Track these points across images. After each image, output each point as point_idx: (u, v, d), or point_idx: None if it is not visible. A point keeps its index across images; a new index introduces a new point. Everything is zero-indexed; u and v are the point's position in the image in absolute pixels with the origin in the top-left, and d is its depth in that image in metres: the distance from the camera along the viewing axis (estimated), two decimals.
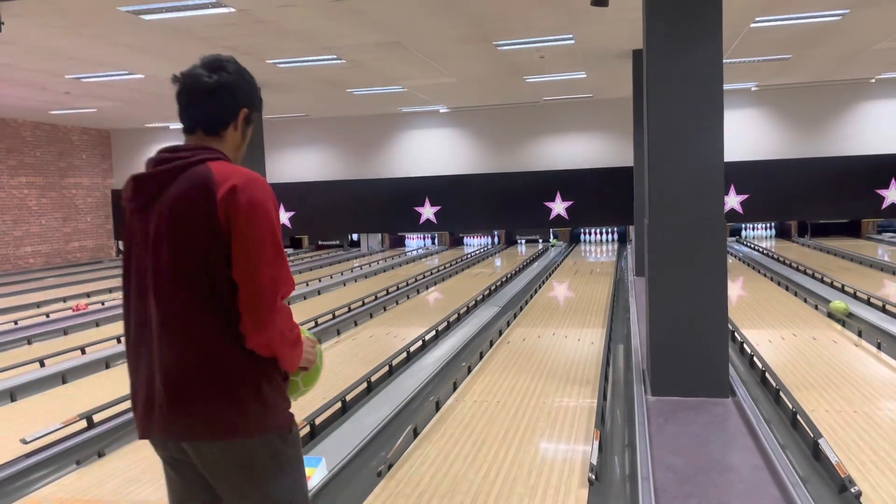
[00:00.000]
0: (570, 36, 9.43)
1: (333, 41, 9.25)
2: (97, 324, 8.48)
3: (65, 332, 8.03)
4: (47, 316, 9.18)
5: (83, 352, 6.81)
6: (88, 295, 11.03)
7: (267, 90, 12.84)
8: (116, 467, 3.90)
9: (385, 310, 8.83)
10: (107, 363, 6.39)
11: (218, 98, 1.82)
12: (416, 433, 4.18)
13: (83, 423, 4.62)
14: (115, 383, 5.69)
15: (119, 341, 7.28)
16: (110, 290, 11.48)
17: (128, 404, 4.99)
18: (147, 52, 9.46)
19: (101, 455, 4.07)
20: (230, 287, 1.70)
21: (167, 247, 1.71)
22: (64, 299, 10.59)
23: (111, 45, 9.04)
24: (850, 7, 8.51)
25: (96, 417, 4.71)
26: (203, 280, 1.69)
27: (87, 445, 4.29)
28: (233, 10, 7.47)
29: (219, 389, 1.71)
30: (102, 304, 10.13)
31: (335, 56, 10.16)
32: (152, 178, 1.79)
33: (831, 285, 9.01)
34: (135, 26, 8.07)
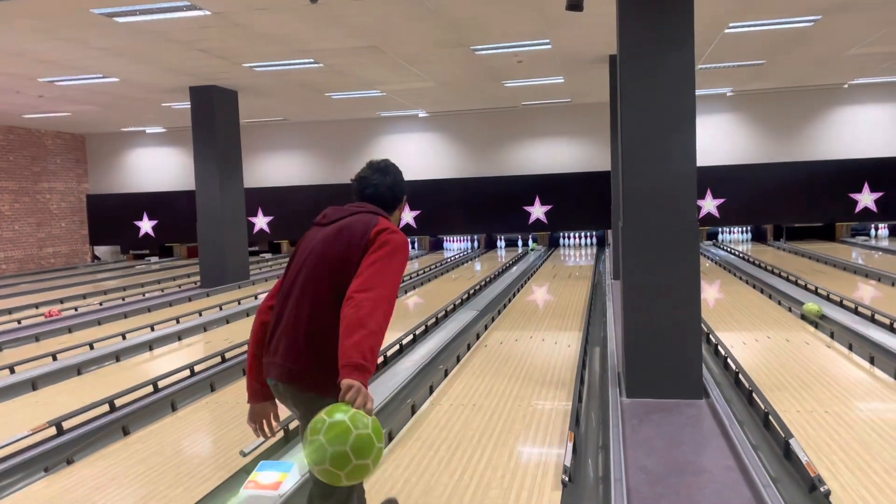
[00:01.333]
0: (548, 41, 9.48)
1: (310, 45, 9.22)
2: (70, 330, 8.37)
3: (36, 338, 7.91)
4: (19, 322, 9.04)
5: (54, 358, 6.71)
6: (62, 301, 10.88)
7: (244, 94, 12.79)
8: (85, 475, 3.84)
9: None
10: (78, 370, 6.30)
11: (393, 192, 2.55)
12: (390, 437, 4.16)
13: (52, 430, 4.55)
14: (86, 390, 5.62)
15: (91, 347, 7.19)
16: (84, 297, 11.34)
17: (98, 411, 4.88)
18: (122, 55, 9.36)
19: (69, 462, 4.01)
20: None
21: (323, 257, 2.26)
22: (36, 305, 10.43)
23: (85, 48, 8.94)
24: (822, 13, 8.64)
25: (66, 424, 4.64)
26: (339, 287, 2.18)
27: (56, 453, 4.22)
28: (208, 12, 7.43)
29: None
30: (76, 310, 10.00)
31: (313, 60, 10.12)
32: (341, 209, 2.45)
33: (805, 288, 9.12)
34: (108, 29, 7.99)
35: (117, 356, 6.83)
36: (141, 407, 5.05)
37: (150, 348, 7.27)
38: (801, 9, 8.46)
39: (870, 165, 15.34)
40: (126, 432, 4.51)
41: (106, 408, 5.01)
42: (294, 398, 2.24)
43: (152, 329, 8.09)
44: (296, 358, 2.19)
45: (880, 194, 15.32)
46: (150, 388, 5.48)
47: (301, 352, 2.18)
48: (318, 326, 2.18)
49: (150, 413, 4.94)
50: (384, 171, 2.55)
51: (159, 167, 18.82)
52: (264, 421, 2.44)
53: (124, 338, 7.63)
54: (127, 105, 13.76)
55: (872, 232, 16.22)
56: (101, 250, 19.39)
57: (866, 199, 15.39)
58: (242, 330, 7.99)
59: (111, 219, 18.66)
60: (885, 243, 14.95)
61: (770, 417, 4.11)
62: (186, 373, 5.96)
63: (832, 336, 6.34)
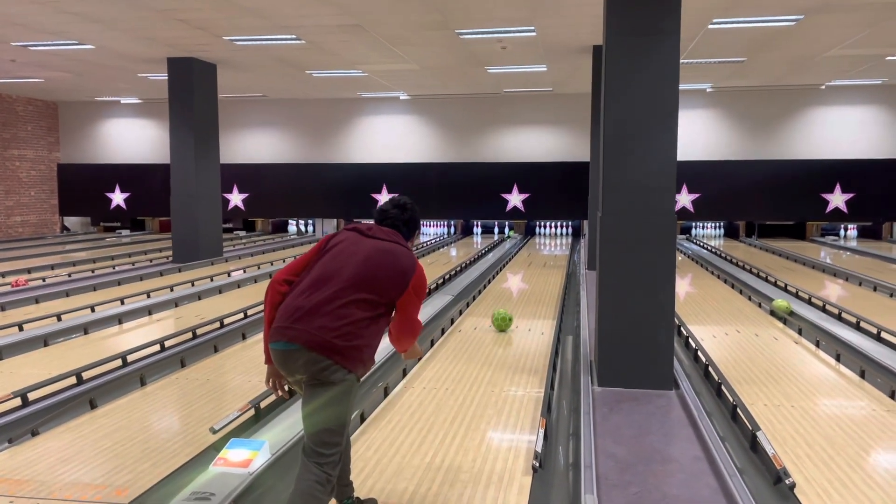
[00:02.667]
0: (532, 28, 9.45)
1: (292, 20, 9.09)
2: (37, 300, 8.21)
3: (2, 307, 7.76)
4: None
5: (20, 328, 6.58)
6: (29, 271, 10.67)
7: (223, 68, 12.59)
8: (50, 447, 3.78)
9: None
10: (45, 341, 6.20)
11: (409, 227, 2.95)
12: (362, 419, 4.15)
13: (17, 402, 4.46)
14: (53, 361, 5.53)
15: (59, 319, 7.06)
16: (52, 267, 11.13)
17: (65, 383, 4.81)
18: (98, 21, 9.15)
19: (34, 434, 3.94)
20: (390, 307, 2.74)
21: (370, 267, 2.68)
22: (3, 274, 10.22)
23: (61, 13, 8.71)
24: (804, 13, 8.72)
25: (31, 396, 4.56)
26: (374, 295, 2.67)
27: (20, 424, 4.15)
28: None
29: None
30: (43, 280, 9.81)
31: (294, 36, 9.98)
32: (381, 229, 2.87)
33: (775, 284, 9.26)
34: None
35: (85, 329, 6.72)
36: (109, 381, 4.98)
37: (120, 322, 7.17)
38: (784, 8, 8.53)
39: (842, 167, 15.58)
40: (93, 406, 4.44)
41: (73, 380, 4.93)
42: (310, 363, 2.55)
43: (122, 303, 7.98)
44: (333, 334, 2.55)
45: (851, 195, 15.59)
46: (118, 362, 5.40)
47: (336, 331, 2.56)
48: (354, 318, 2.60)
49: (119, 387, 4.87)
50: (402, 208, 2.94)
51: (133, 139, 18.48)
52: (280, 381, 2.79)
53: (93, 310, 7.52)
54: (102, 73, 13.46)
55: (842, 232, 16.52)
56: (70, 221, 19.04)
57: (837, 199, 15.65)
58: (215, 306, 7.91)
59: (82, 189, 18.31)
60: (853, 244, 15.24)
61: (738, 410, 4.18)
62: (156, 348, 5.88)
63: (800, 332, 6.45)
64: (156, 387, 4.97)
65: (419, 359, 2.60)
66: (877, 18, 8.95)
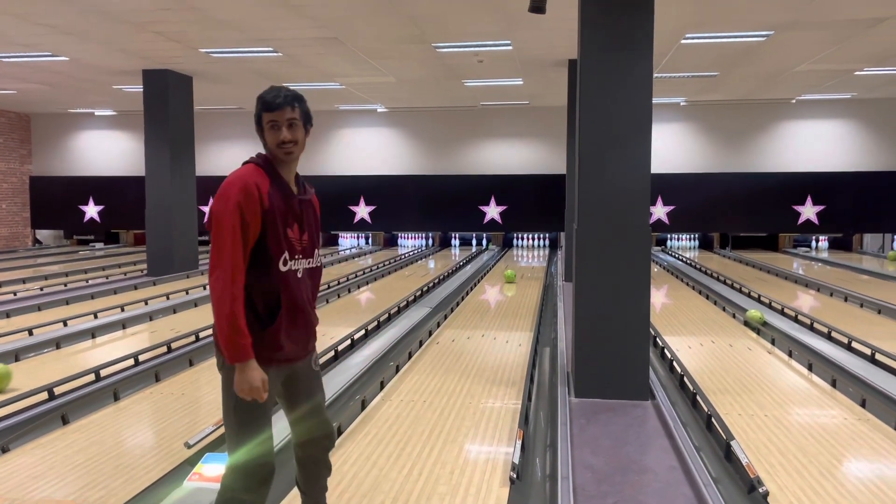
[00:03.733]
0: (508, 42, 9.54)
1: (269, 33, 9.09)
2: (7, 315, 8.08)
3: None
4: None
5: None
6: (0, 285, 10.49)
7: (199, 80, 12.53)
8: (21, 463, 3.71)
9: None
10: (16, 356, 6.09)
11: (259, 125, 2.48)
12: (339, 432, 4.13)
13: None
14: (24, 377, 5.43)
15: (30, 333, 6.95)
16: (23, 281, 10.95)
17: (36, 399, 4.74)
18: (72, 33, 9.07)
19: (5, 450, 3.87)
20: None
21: None
22: None
23: (35, 25, 8.63)
24: (774, 29, 8.91)
25: (2, 412, 4.48)
26: None
27: None
28: None
29: None
30: (14, 294, 9.65)
31: (271, 48, 9.98)
32: None
33: (748, 295, 9.39)
34: (60, 6, 7.74)
35: (58, 343, 6.62)
36: (81, 396, 4.90)
37: (93, 336, 7.06)
38: (754, 24, 8.70)
39: (813, 179, 15.87)
40: (65, 421, 4.37)
41: (44, 395, 4.85)
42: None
43: (95, 316, 7.87)
44: None
45: (822, 207, 15.86)
46: (91, 377, 5.33)
47: None
48: None
49: (91, 402, 4.80)
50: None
51: (108, 151, 18.29)
52: None
53: (65, 324, 7.41)
54: (76, 85, 13.34)
55: (813, 244, 16.81)
56: (43, 234, 18.76)
57: (809, 211, 15.92)
58: (190, 319, 7.83)
59: (55, 202, 18.06)
60: (825, 255, 15.50)
61: (713, 420, 4.22)
62: (130, 362, 5.81)
63: (773, 343, 6.54)
64: (130, 401, 4.90)
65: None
66: (844, 35, 9.16)
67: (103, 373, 5.44)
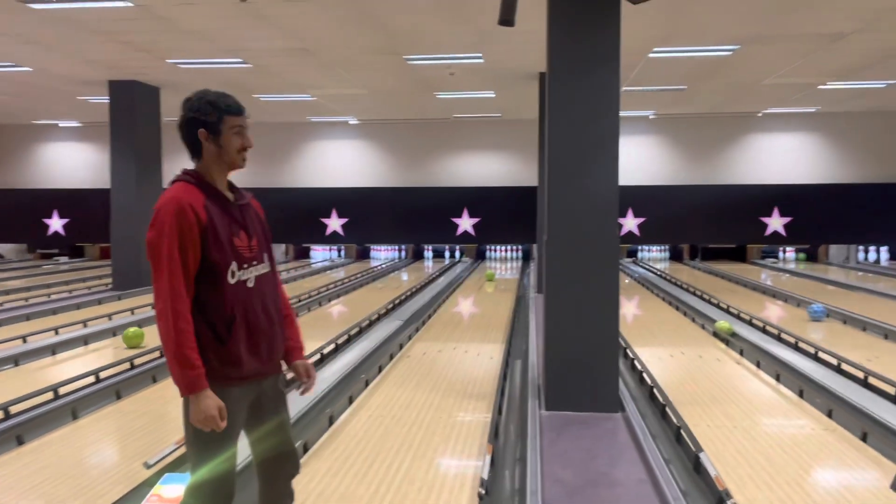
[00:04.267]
0: (480, 55, 9.56)
1: (238, 43, 9.00)
2: None
3: None
4: None
5: None
6: None
7: (166, 91, 12.38)
8: None
9: None
10: None
11: (183, 133, 2.39)
12: (305, 449, 4.04)
13: None
14: None
15: None
16: None
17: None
18: (36, 43, 8.90)
19: None
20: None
21: None
22: None
23: None
24: (740, 43, 9.04)
25: None
26: None
27: None
28: (130, 4, 7.15)
29: None
30: None
31: (240, 59, 9.89)
32: None
33: (718, 306, 9.46)
34: (22, 15, 7.58)
35: (16, 360, 6.43)
36: (38, 415, 4.75)
37: (53, 352, 6.88)
38: (720, 38, 8.83)
39: (780, 192, 16.13)
40: (20, 441, 4.23)
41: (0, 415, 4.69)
42: None
43: (56, 332, 7.67)
44: None
45: (789, 219, 16.11)
46: (49, 395, 5.17)
47: None
48: None
49: (49, 421, 4.65)
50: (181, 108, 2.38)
51: (72, 163, 17.94)
52: None
53: (25, 341, 7.20)
54: (40, 96, 13.09)
55: (781, 255, 17.07)
56: (4, 248, 18.34)
57: (776, 223, 16.16)
58: (154, 335, 7.66)
59: (17, 215, 17.66)
60: (792, 266, 15.73)
61: (682, 431, 4.22)
62: (91, 379, 5.65)
63: (741, 353, 6.59)
64: (89, 420, 4.76)
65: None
66: (808, 49, 9.34)
67: (62, 390, 5.28)
